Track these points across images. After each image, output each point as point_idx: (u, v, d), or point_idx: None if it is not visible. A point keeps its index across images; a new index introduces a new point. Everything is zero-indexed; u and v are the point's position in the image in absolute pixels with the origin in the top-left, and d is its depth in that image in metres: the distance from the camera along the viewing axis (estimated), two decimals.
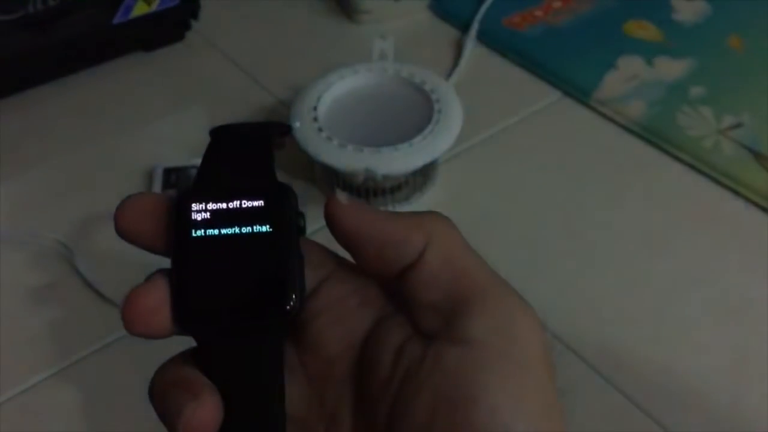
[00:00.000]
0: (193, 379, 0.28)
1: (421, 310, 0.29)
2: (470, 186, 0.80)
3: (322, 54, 0.95)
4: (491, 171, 0.81)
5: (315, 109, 0.76)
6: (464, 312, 0.28)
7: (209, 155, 0.31)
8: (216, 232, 0.28)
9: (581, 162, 0.82)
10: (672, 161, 0.81)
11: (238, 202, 0.28)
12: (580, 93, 0.89)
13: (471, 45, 0.95)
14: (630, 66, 0.91)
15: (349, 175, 0.73)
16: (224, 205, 0.28)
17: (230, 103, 0.89)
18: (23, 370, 0.65)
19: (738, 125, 0.84)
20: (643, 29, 0.96)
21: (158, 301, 0.28)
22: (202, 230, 0.28)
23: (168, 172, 0.80)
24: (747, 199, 0.76)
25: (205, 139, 0.93)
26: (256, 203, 0.28)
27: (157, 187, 0.78)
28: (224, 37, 0.98)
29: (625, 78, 0.90)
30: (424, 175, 0.77)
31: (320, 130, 0.74)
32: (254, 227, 0.28)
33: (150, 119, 0.88)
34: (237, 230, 0.28)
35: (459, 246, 0.30)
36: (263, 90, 0.91)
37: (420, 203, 0.77)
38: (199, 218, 0.28)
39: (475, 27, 0.97)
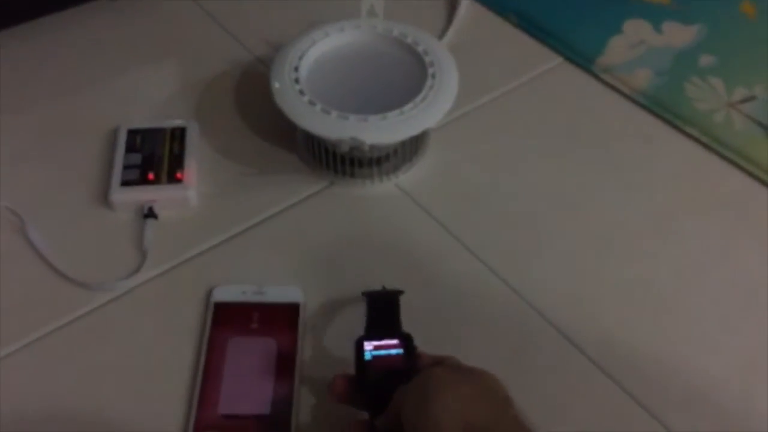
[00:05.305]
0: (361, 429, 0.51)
1: None
2: (463, 156, 0.74)
3: (305, 8, 0.87)
4: (486, 141, 0.75)
5: (296, 69, 0.69)
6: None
7: (370, 313, 0.56)
8: (376, 357, 0.52)
9: (582, 133, 0.76)
10: (679, 135, 0.76)
11: (387, 341, 0.53)
12: (582, 58, 0.83)
13: (466, 3, 0.88)
14: (636, 31, 0.85)
15: (333, 143, 0.66)
16: (380, 343, 0.53)
17: (204, 60, 0.82)
18: None
19: (750, 98, 0.78)
20: None
21: (343, 387, 0.53)
22: (370, 356, 0.52)
23: (133, 133, 0.73)
24: (759, 180, 0.71)
25: (173, 97, 0.84)
26: (394, 341, 0.53)
27: (120, 150, 0.71)
28: None
29: (631, 44, 0.84)
30: (414, 144, 0.71)
31: (302, 93, 0.67)
32: (395, 354, 0.52)
33: (115, 75, 0.81)
34: (386, 356, 0.52)
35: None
36: (240, 45, 0.84)
37: (409, 174, 0.71)
38: (368, 348, 0.52)
39: None
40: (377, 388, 0.50)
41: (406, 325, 0.60)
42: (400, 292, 0.57)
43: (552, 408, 0.57)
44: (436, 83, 0.68)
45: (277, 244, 0.66)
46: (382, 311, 0.56)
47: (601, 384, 0.58)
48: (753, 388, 0.58)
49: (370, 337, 0.53)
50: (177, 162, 0.70)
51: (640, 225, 0.68)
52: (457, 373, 0.49)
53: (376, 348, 0.52)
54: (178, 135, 0.72)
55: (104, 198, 0.68)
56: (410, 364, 0.52)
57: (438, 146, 0.74)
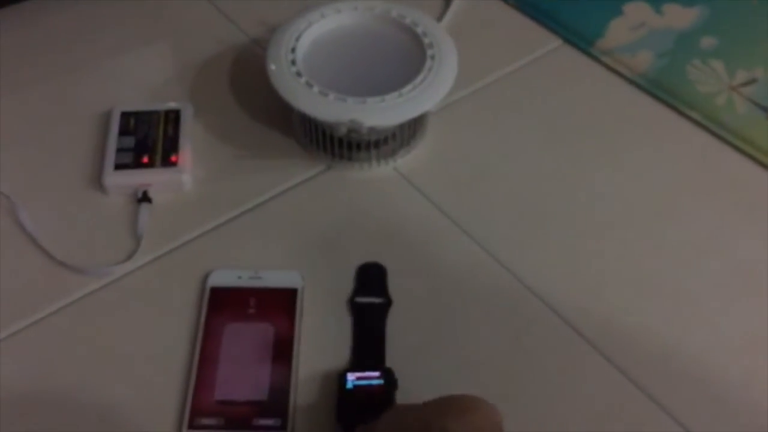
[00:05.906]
0: None
1: None
2: (462, 140, 0.73)
3: None
4: (484, 124, 0.74)
5: (293, 50, 0.68)
6: None
7: (356, 341, 0.59)
8: (358, 386, 0.55)
9: (582, 117, 0.75)
10: (680, 119, 0.75)
11: (370, 373, 0.56)
12: (582, 41, 0.81)
13: None
14: (637, 13, 0.84)
15: (330, 126, 0.65)
16: (362, 374, 0.55)
17: (198, 41, 0.81)
18: None
19: (752, 81, 0.77)
20: None
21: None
22: (352, 385, 0.55)
23: (126, 116, 0.71)
24: (760, 163, 0.70)
25: (167, 79, 0.83)
26: (376, 373, 0.55)
27: (114, 132, 0.70)
28: None
29: (632, 26, 0.83)
30: (412, 127, 0.70)
31: (299, 74, 0.66)
32: (375, 384, 0.55)
33: (108, 56, 0.79)
34: (368, 385, 0.55)
35: None
36: (235, 27, 0.82)
37: (408, 158, 0.70)
38: (351, 378, 0.55)
39: None
40: (357, 415, 0.53)
41: (403, 310, 0.60)
42: (388, 305, 0.60)
43: (550, 391, 0.56)
44: (435, 65, 0.67)
45: (273, 229, 0.65)
46: (368, 341, 0.59)
47: (600, 367, 0.57)
48: (752, 370, 0.57)
49: (353, 369, 0.56)
50: (171, 145, 0.69)
51: (641, 208, 0.67)
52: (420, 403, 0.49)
53: (358, 378, 0.55)
54: (173, 117, 0.71)
55: (97, 182, 0.67)
56: (390, 394, 0.54)
57: (437, 129, 0.73)
